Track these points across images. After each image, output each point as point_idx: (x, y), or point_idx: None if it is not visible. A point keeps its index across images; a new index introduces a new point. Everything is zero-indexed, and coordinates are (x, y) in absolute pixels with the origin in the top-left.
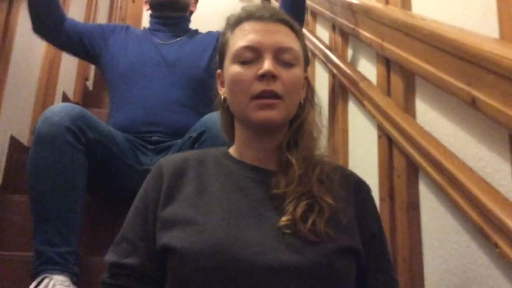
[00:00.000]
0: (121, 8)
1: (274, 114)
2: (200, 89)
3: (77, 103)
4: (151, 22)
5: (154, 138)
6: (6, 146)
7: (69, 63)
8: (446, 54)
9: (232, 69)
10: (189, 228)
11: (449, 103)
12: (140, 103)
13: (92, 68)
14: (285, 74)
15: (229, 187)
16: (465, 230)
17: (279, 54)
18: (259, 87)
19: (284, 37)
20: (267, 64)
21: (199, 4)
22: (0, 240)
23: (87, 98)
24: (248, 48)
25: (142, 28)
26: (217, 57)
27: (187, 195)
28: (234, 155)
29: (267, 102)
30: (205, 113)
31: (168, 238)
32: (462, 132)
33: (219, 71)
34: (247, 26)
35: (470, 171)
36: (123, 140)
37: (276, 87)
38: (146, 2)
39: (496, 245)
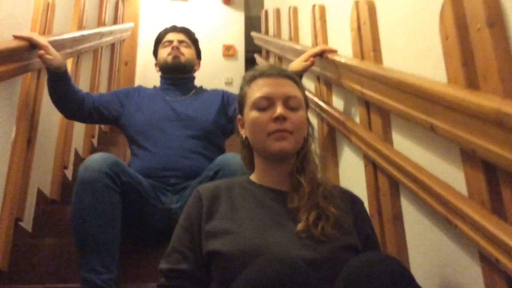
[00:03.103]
0: (118, 70)
1: (286, 145)
2: (207, 138)
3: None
4: (161, 82)
5: (172, 181)
6: (35, 198)
7: (79, 124)
8: (409, 95)
9: (252, 114)
10: (228, 236)
11: (417, 132)
12: (158, 153)
13: (97, 127)
14: (293, 116)
15: (255, 205)
16: (438, 228)
17: (287, 101)
18: (274, 126)
19: (289, 88)
20: (279, 109)
21: None
22: (36, 275)
23: (93, 153)
24: (264, 98)
25: (153, 87)
26: (236, 105)
27: (223, 212)
28: (255, 180)
29: (281, 135)
30: (211, 157)
31: (213, 245)
32: (427, 151)
33: (239, 116)
34: (260, 81)
35: (436, 179)
36: (147, 183)
37: (287, 126)
38: (156, 65)
39: (456, 226)
